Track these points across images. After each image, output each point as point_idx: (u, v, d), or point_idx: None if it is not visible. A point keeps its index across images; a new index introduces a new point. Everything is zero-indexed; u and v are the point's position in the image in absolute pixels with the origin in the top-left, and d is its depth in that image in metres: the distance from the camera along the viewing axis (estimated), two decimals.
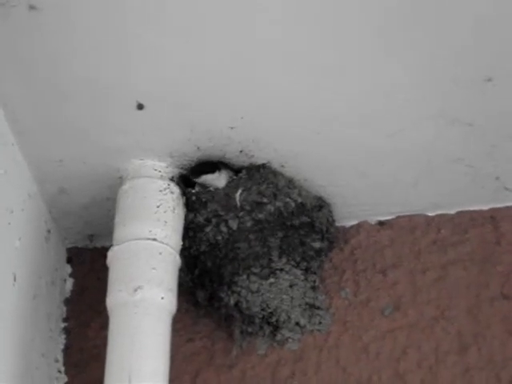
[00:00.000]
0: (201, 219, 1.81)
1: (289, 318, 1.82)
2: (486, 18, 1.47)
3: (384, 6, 1.46)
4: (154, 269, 1.68)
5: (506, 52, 1.54)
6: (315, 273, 1.86)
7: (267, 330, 1.83)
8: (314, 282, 1.86)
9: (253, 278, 1.80)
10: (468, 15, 1.47)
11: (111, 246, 1.74)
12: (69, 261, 2.02)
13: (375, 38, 1.52)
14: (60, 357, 1.92)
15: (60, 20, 1.48)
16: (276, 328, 1.83)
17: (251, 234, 1.80)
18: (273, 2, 1.45)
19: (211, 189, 1.81)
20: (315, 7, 1.46)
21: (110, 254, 1.73)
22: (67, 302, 1.98)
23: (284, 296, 1.81)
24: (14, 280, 1.69)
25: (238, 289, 1.80)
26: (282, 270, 1.81)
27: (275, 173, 1.82)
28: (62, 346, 1.93)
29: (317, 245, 1.86)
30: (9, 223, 1.69)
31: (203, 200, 1.81)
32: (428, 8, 1.46)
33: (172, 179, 1.80)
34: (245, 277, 1.80)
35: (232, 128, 1.72)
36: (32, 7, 1.45)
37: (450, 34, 1.51)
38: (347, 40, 1.52)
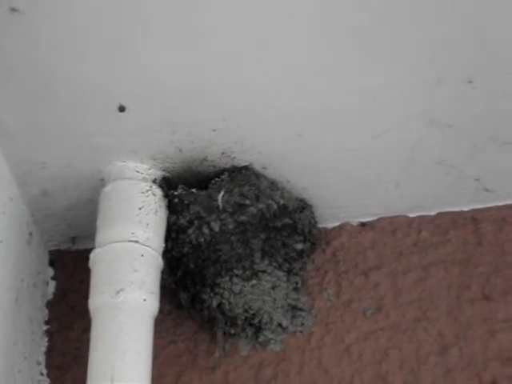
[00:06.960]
0: (183, 221, 1.80)
1: (271, 319, 1.82)
2: (469, 19, 1.47)
3: (366, 4, 1.45)
4: (136, 271, 1.67)
5: (486, 55, 1.54)
6: (297, 274, 1.86)
7: (250, 331, 1.83)
8: (297, 283, 1.86)
9: (235, 279, 1.79)
10: (452, 16, 1.47)
11: (93, 248, 1.73)
12: (51, 263, 2.02)
13: (357, 39, 1.51)
14: (42, 359, 1.92)
15: (42, 22, 1.47)
16: (258, 329, 1.83)
17: (233, 236, 1.79)
18: (256, 4, 1.45)
19: (193, 191, 1.81)
20: (296, 7, 1.45)
21: (92, 256, 1.72)
22: (49, 304, 1.98)
23: (266, 297, 1.81)
24: None
25: (221, 290, 1.80)
26: (264, 271, 1.81)
27: (257, 175, 1.82)
28: (44, 349, 1.93)
29: (299, 246, 1.85)
30: None
31: (185, 202, 1.80)
32: (411, 8, 1.46)
33: (154, 181, 1.80)
34: (227, 278, 1.79)
35: (214, 130, 1.71)
36: (13, 9, 1.44)
37: (433, 34, 1.50)
38: (328, 39, 1.51)
